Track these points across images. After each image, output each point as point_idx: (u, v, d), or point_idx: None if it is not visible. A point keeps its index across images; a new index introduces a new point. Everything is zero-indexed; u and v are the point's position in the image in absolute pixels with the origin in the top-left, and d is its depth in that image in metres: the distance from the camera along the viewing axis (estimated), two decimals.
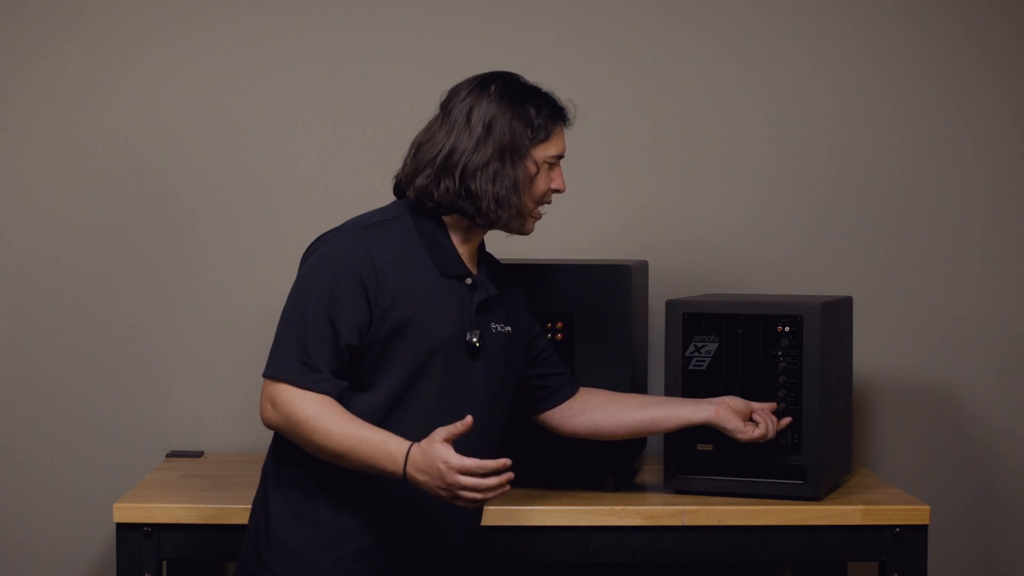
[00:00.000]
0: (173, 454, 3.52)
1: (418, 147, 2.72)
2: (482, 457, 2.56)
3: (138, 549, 2.95)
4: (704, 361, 3.07)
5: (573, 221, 3.63)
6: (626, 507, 3.01)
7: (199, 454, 3.51)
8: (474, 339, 2.66)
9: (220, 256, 3.58)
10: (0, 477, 3.59)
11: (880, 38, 3.66)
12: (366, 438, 2.52)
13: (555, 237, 3.61)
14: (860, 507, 3.02)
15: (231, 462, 3.42)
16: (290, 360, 2.56)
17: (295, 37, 3.59)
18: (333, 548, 2.62)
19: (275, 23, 3.59)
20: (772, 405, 3.00)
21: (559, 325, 3.11)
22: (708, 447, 3.07)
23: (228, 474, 3.29)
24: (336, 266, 2.59)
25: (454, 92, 2.73)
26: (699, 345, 3.07)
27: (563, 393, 2.92)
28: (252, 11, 3.58)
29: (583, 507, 3.00)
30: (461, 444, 2.54)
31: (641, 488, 3.20)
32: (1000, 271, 3.68)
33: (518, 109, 2.69)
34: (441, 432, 2.46)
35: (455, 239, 2.71)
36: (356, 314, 2.58)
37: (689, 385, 3.07)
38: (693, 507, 3.01)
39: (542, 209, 2.76)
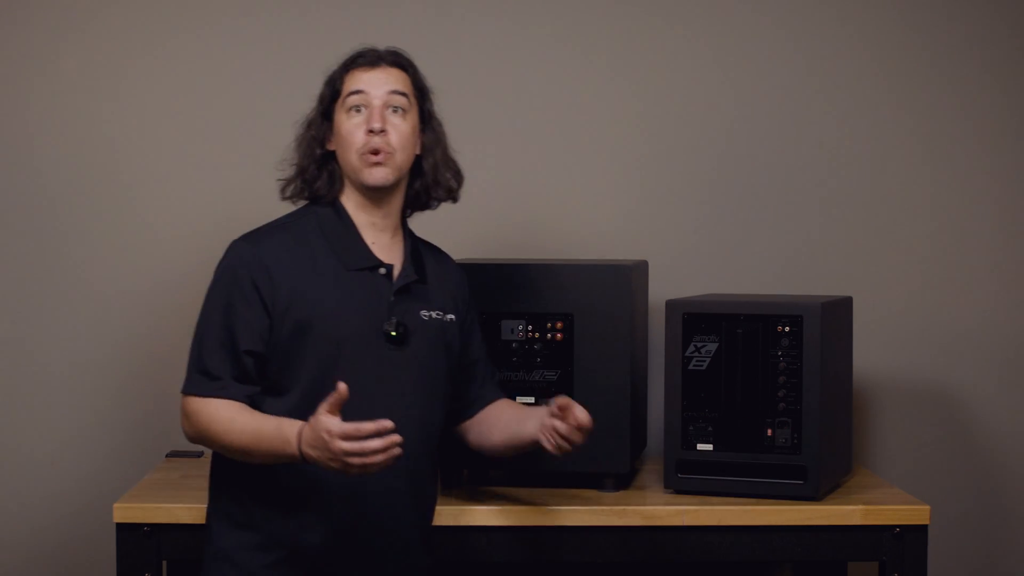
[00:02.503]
0: (173, 454, 3.51)
1: None
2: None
3: (138, 549, 2.95)
4: (704, 361, 3.07)
5: (573, 221, 3.63)
6: (626, 507, 3.01)
7: (199, 454, 3.51)
8: (391, 329, 2.66)
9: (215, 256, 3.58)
10: (1, 477, 3.59)
11: (881, 38, 3.66)
12: (262, 428, 2.55)
13: (555, 237, 3.61)
14: (860, 507, 3.02)
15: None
16: (192, 372, 2.64)
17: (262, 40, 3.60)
18: (268, 552, 2.64)
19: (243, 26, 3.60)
20: (571, 417, 2.71)
21: (559, 325, 3.11)
22: (708, 447, 3.07)
23: None
24: (231, 275, 2.64)
25: None
26: (699, 345, 3.07)
27: (468, 411, 2.90)
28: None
29: (583, 507, 3.00)
30: (402, 436, 2.55)
31: (641, 488, 3.20)
32: (1000, 271, 3.68)
33: (327, 79, 2.75)
34: (324, 405, 2.46)
35: (367, 228, 2.72)
36: (252, 320, 2.61)
37: (689, 385, 3.07)
38: (693, 507, 3.01)
39: (371, 156, 2.69)
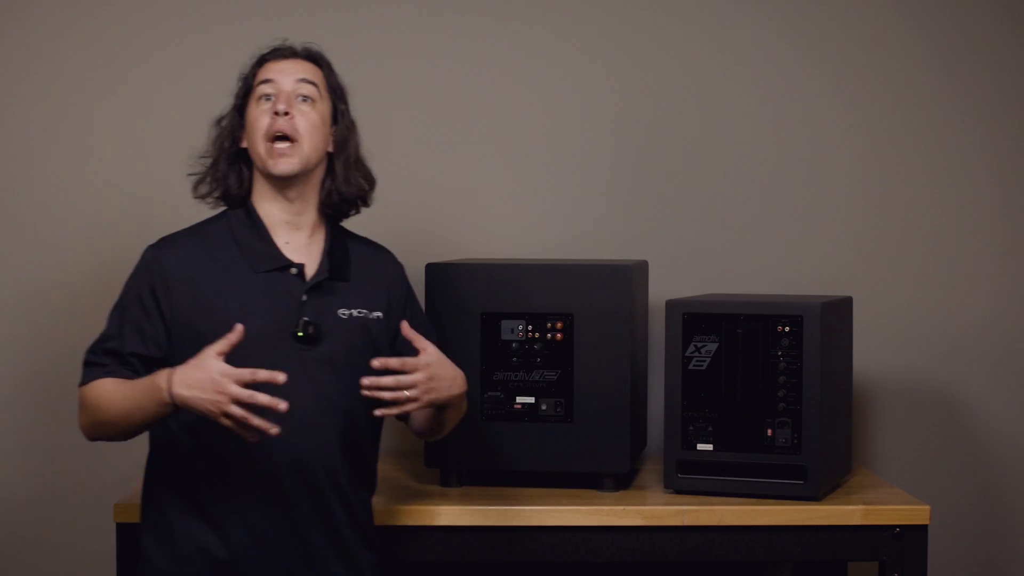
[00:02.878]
0: None
1: None
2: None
3: (138, 549, 2.95)
4: (704, 361, 3.07)
5: (573, 221, 3.63)
6: (626, 507, 3.01)
7: None
8: (297, 329, 2.65)
9: None
10: (1, 477, 3.59)
11: (881, 37, 3.66)
12: (133, 386, 2.58)
13: (555, 237, 3.61)
14: (860, 507, 3.02)
15: None
16: (85, 366, 2.70)
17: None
18: (191, 563, 2.64)
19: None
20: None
21: (559, 325, 3.11)
22: (708, 447, 3.07)
23: None
24: (133, 281, 2.71)
25: None
26: (699, 345, 3.07)
27: None
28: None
29: (583, 507, 3.00)
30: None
31: (641, 488, 3.20)
32: (1000, 271, 3.68)
33: (241, 73, 2.77)
34: (214, 346, 2.46)
35: (281, 229, 2.72)
36: (146, 326, 2.65)
37: (689, 385, 3.07)
38: (693, 507, 3.01)
39: (277, 145, 2.68)
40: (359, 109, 3.63)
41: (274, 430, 2.45)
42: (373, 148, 3.59)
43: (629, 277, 3.09)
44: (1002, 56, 3.66)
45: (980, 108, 3.66)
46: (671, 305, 3.10)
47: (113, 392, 2.62)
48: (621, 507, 3.01)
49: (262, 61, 2.75)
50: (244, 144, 2.74)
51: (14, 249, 3.58)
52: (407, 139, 3.60)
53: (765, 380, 3.04)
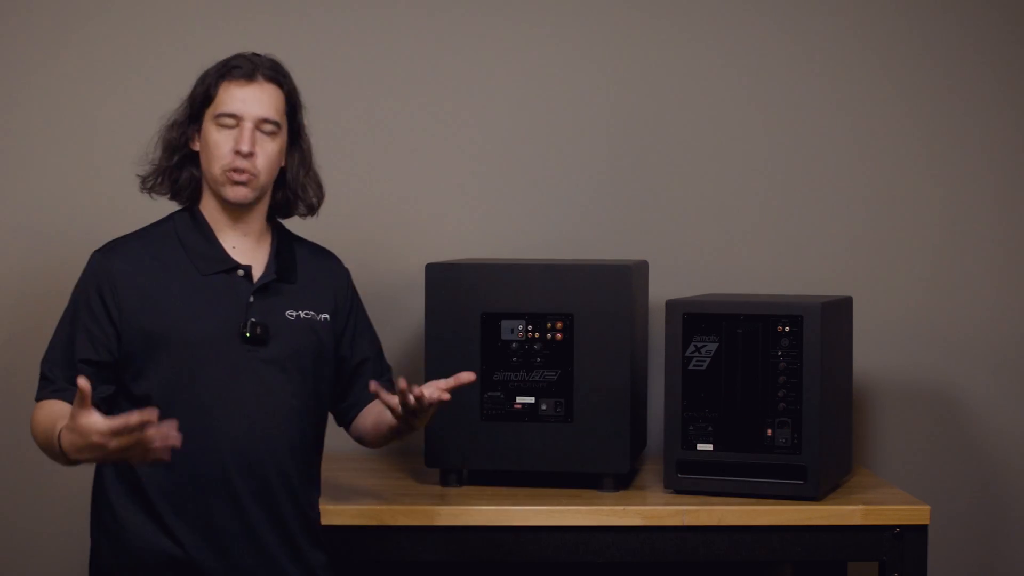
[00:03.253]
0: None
1: None
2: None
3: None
4: (704, 361, 3.07)
5: (573, 221, 3.62)
6: (626, 507, 3.01)
7: None
8: (243, 329, 2.66)
9: None
10: (0, 477, 3.59)
11: (881, 37, 3.66)
12: (47, 424, 2.58)
13: (555, 237, 3.61)
14: (860, 507, 3.02)
15: None
16: (40, 379, 2.70)
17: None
18: (142, 562, 2.64)
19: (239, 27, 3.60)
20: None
21: (559, 325, 3.11)
22: (708, 447, 3.07)
23: None
24: (81, 286, 2.70)
25: None
26: (699, 345, 3.07)
27: (355, 410, 2.91)
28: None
29: (583, 507, 3.00)
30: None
31: (641, 488, 3.20)
32: (1000, 271, 3.68)
33: (199, 78, 2.72)
34: (76, 409, 2.39)
35: (226, 232, 2.72)
36: (95, 331, 2.65)
37: (689, 385, 3.07)
38: (693, 507, 3.01)
39: (234, 175, 2.68)
40: (359, 108, 3.65)
41: (173, 438, 2.39)
42: (373, 147, 3.60)
43: (629, 277, 3.09)
44: (1002, 56, 3.66)
45: (980, 108, 3.66)
46: (671, 305, 3.10)
47: (41, 422, 2.62)
48: (621, 507, 3.01)
49: (224, 75, 2.70)
50: (195, 147, 2.74)
51: (10, 248, 3.58)
52: (407, 139, 3.60)
53: (765, 380, 3.04)
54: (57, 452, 2.51)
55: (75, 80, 3.56)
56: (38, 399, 2.69)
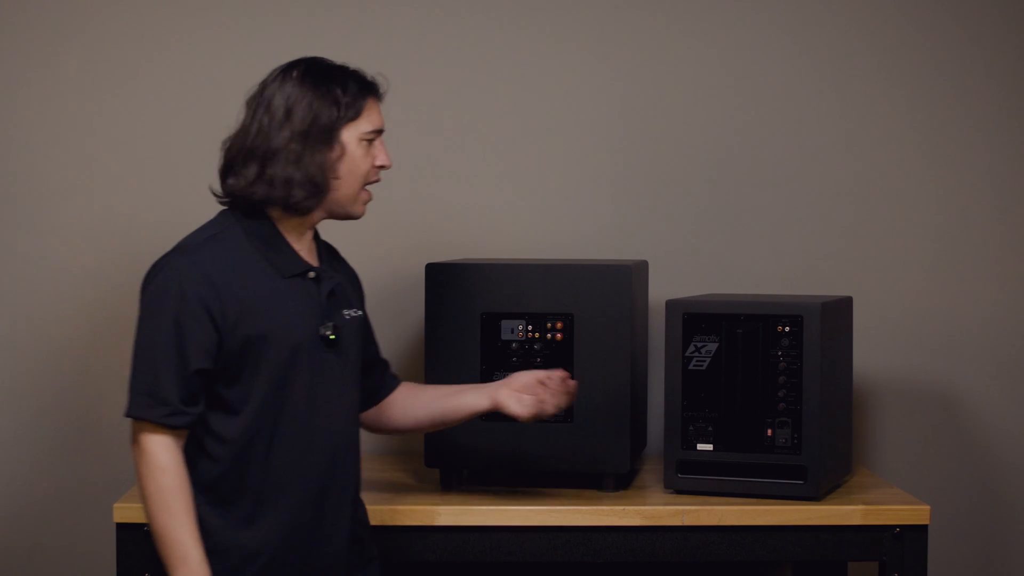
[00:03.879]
0: None
1: (225, 144, 2.68)
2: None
3: (138, 549, 2.95)
4: (704, 361, 3.07)
5: (573, 221, 3.63)
6: (626, 507, 3.01)
7: None
8: (327, 332, 2.65)
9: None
10: (1, 477, 3.59)
11: (880, 37, 3.66)
12: (169, 535, 2.53)
13: (555, 237, 3.61)
14: (860, 507, 3.02)
15: None
16: (141, 395, 2.55)
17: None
18: (221, 558, 2.62)
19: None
20: (561, 373, 2.88)
21: (559, 325, 3.11)
22: (708, 447, 3.07)
23: None
24: (177, 292, 2.55)
25: (261, 84, 2.68)
26: (699, 345, 3.07)
27: (388, 388, 2.92)
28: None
29: (583, 507, 3.00)
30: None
31: (641, 488, 3.20)
32: (1000, 271, 3.68)
33: (321, 90, 2.63)
34: None
35: (289, 235, 2.68)
36: (203, 339, 2.55)
37: (689, 385, 3.07)
38: (693, 507, 3.01)
39: (371, 188, 2.70)
40: None
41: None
42: None
43: (629, 277, 3.09)
44: (1002, 56, 3.66)
45: (980, 108, 3.66)
46: (671, 305, 3.10)
47: (161, 498, 2.54)
48: (621, 507, 3.01)
49: (366, 92, 2.68)
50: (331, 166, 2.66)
51: (13, 246, 3.58)
52: (407, 139, 3.60)
53: (765, 380, 3.04)
54: (161, 550, 2.53)
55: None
56: (151, 419, 2.54)
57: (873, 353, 3.64)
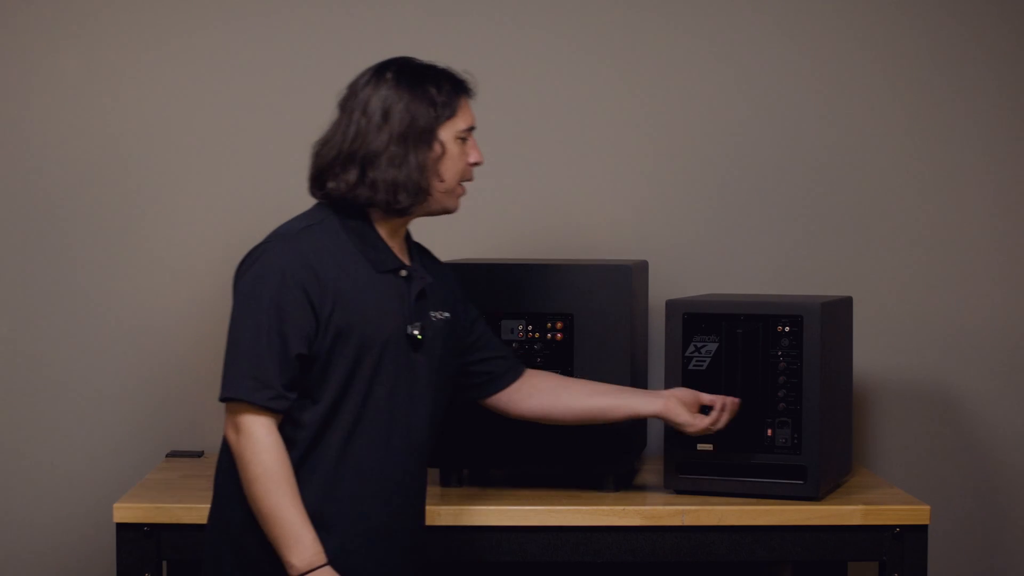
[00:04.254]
0: (173, 454, 3.51)
1: (319, 147, 2.67)
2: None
3: (138, 549, 2.95)
4: (704, 361, 3.07)
5: (573, 221, 3.62)
6: (626, 507, 3.01)
7: (199, 454, 3.51)
8: (415, 331, 2.65)
9: (221, 258, 3.58)
10: (1, 477, 3.59)
11: (879, 37, 3.66)
12: (280, 518, 2.52)
13: (555, 237, 3.61)
14: (860, 507, 3.02)
15: None
16: (243, 378, 2.54)
17: (272, 40, 3.60)
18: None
19: (250, 27, 3.60)
20: (720, 399, 2.98)
21: (559, 325, 3.11)
22: (708, 447, 3.07)
23: None
24: (278, 277, 2.56)
25: (351, 87, 2.68)
26: (699, 345, 3.07)
27: (508, 377, 2.91)
28: (223, 14, 3.59)
29: (583, 507, 3.00)
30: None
31: (641, 488, 3.20)
32: (1000, 271, 3.68)
33: (417, 91, 2.65)
34: None
35: (383, 233, 2.69)
36: (303, 323, 2.56)
37: (689, 385, 3.07)
38: (693, 507, 3.01)
39: (466, 184, 2.72)
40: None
41: None
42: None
43: (629, 277, 3.09)
44: (1002, 56, 3.66)
45: (979, 108, 3.66)
46: (671, 305, 3.10)
47: (271, 486, 2.53)
48: (621, 507, 3.01)
49: (459, 91, 2.70)
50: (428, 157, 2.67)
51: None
52: None
53: (765, 380, 3.04)
54: (284, 549, 2.52)
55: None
56: (255, 402, 2.53)
57: (873, 353, 3.64)
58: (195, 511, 2.95)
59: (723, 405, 2.96)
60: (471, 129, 2.70)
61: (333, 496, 2.60)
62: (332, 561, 2.56)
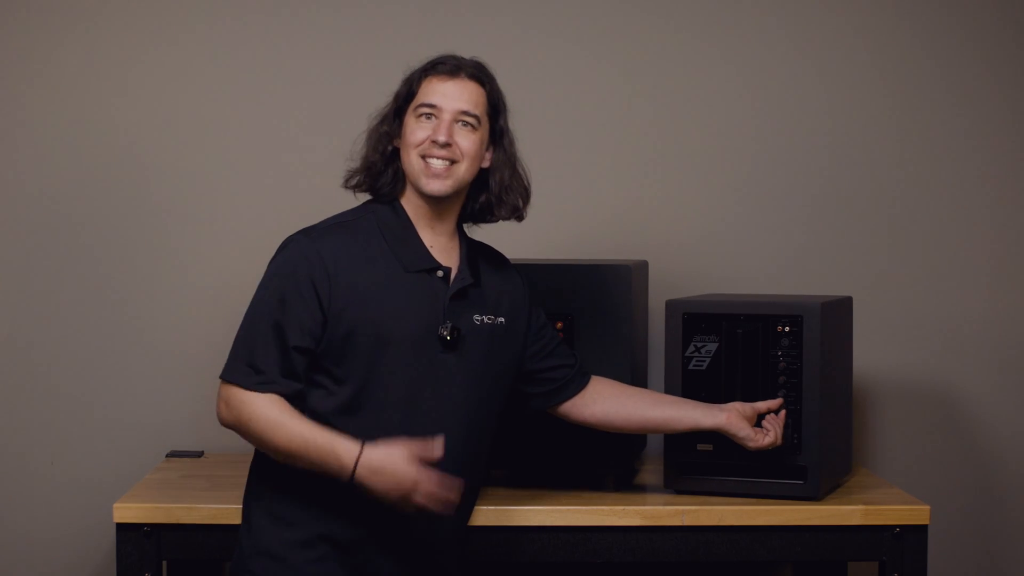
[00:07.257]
0: (173, 454, 3.52)
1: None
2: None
3: (138, 549, 2.95)
4: (704, 361, 3.07)
5: (573, 221, 3.63)
6: (626, 507, 3.01)
7: (199, 454, 3.51)
8: (444, 332, 2.66)
9: (220, 256, 3.58)
10: (1, 477, 3.59)
11: (879, 38, 3.66)
12: (314, 439, 2.55)
13: (555, 237, 3.61)
14: (860, 507, 3.02)
15: (231, 462, 3.42)
16: (239, 363, 2.62)
17: (281, 37, 3.59)
18: (312, 548, 2.63)
19: (263, 23, 3.60)
20: (775, 403, 3.00)
21: (559, 325, 3.11)
22: (708, 447, 3.07)
23: (228, 474, 3.29)
24: (287, 270, 2.63)
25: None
26: (699, 345, 3.07)
27: (574, 386, 2.91)
28: (236, 11, 3.59)
29: (583, 507, 3.00)
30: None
31: (641, 488, 3.20)
32: (1000, 271, 3.68)
33: (406, 76, 2.74)
34: (410, 449, 2.51)
35: (425, 231, 2.71)
36: (305, 317, 2.60)
37: (689, 385, 3.07)
38: (693, 507, 3.01)
39: (433, 163, 2.68)
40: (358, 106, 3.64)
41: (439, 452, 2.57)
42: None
43: (629, 277, 3.09)
44: (1002, 56, 3.66)
45: (979, 108, 3.66)
46: (671, 305, 3.10)
47: (279, 427, 2.57)
48: (621, 507, 3.01)
49: (428, 71, 2.72)
50: (398, 144, 2.72)
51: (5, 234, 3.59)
52: None
53: (765, 380, 3.04)
54: (331, 468, 2.54)
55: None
56: (245, 386, 2.60)
57: (873, 353, 3.64)
58: (195, 511, 2.96)
59: (778, 423, 2.98)
60: (430, 106, 2.69)
61: (346, 489, 2.59)
62: (351, 544, 2.62)
